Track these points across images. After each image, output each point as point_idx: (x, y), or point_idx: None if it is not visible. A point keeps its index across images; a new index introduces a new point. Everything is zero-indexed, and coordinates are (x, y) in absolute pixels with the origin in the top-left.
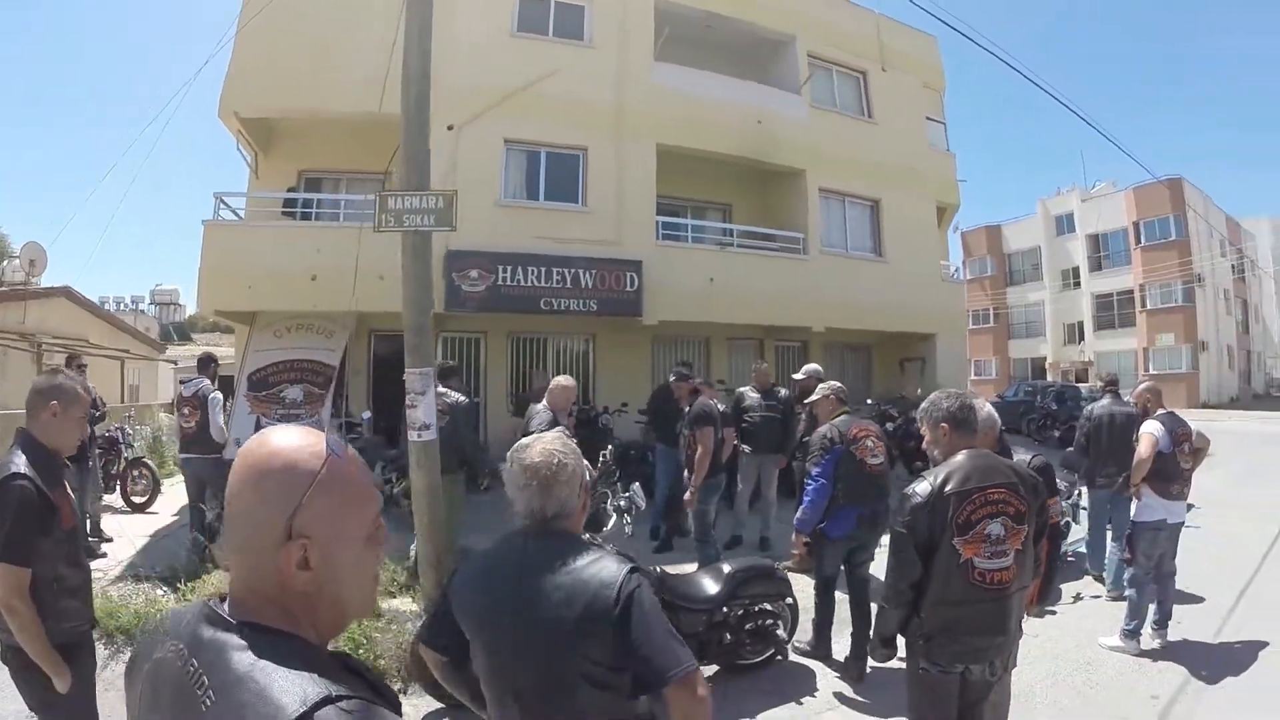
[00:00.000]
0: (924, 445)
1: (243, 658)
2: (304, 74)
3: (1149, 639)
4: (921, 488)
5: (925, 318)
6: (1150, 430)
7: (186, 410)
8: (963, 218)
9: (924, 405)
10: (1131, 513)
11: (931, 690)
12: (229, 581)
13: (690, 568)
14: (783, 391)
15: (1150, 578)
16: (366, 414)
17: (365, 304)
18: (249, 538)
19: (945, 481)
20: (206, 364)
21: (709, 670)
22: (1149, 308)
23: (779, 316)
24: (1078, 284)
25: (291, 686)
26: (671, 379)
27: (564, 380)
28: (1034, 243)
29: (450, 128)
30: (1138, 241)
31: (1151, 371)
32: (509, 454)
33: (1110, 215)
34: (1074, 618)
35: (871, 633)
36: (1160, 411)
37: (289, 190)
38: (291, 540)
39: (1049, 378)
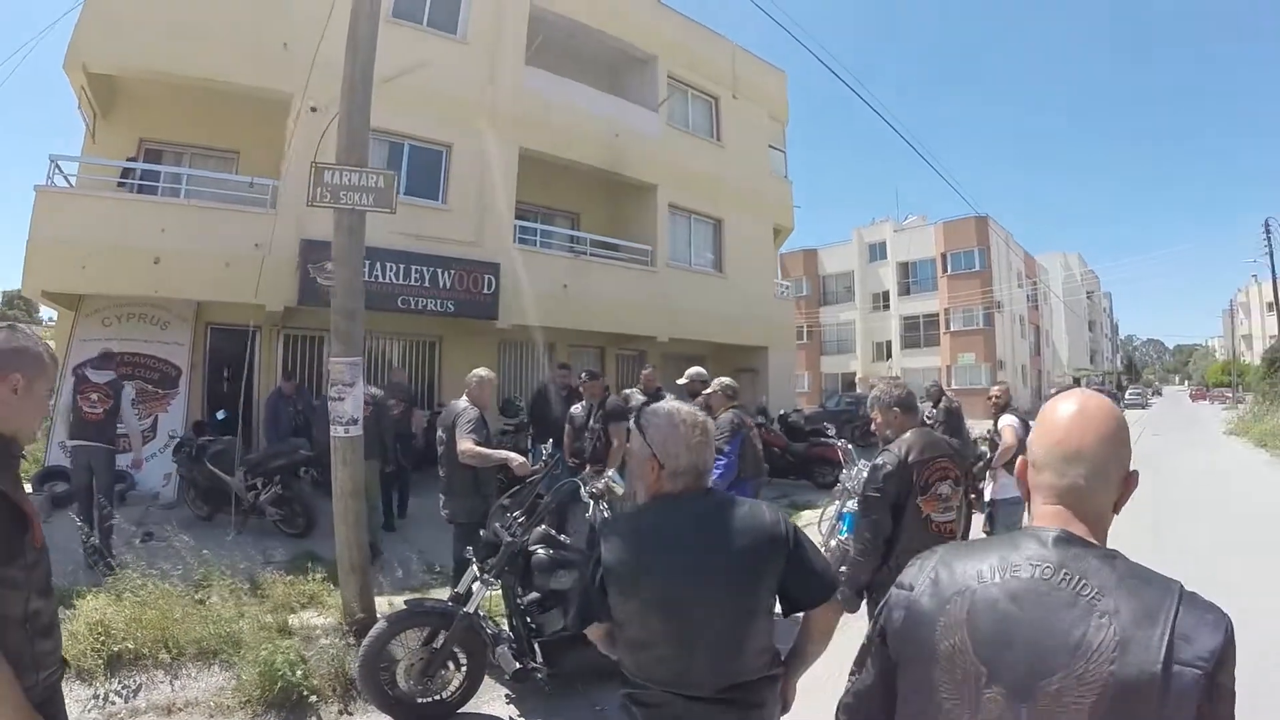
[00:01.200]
0: (874, 427)
1: (1116, 563)
2: (164, 32)
3: None
4: (889, 459)
5: (759, 331)
6: (1010, 422)
7: (96, 396)
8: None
9: (875, 394)
10: (989, 492)
11: None
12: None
13: None
14: (669, 395)
15: None
16: (221, 413)
17: (209, 292)
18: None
19: (907, 453)
20: (110, 358)
21: None
22: (953, 329)
23: (627, 325)
24: (887, 306)
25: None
26: (583, 378)
27: (483, 372)
28: (848, 267)
29: (314, 109)
30: (945, 270)
31: (954, 387)
32: (645, 417)
33: (920, 246)
34: None
35: (843, 584)
36: (1011, 407)
37: (129, 160)
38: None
39: (858, 391)
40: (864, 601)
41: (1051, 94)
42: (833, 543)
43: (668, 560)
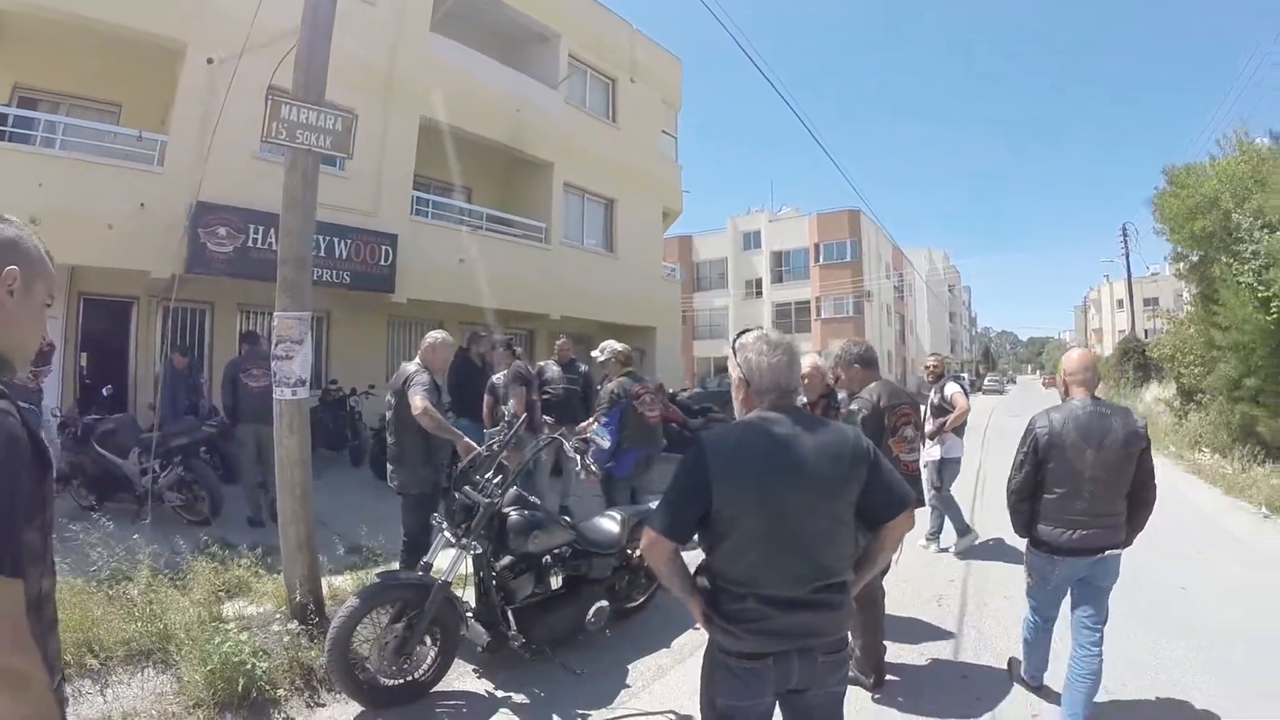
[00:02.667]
0: (836, 383)
1: (1108, 405)
2: None
3: (934, 545)
4: (863, 405)
5: (648, 312)
6: (959, 389)
7: None
8: None
9: (837, 353)
10: (939, 452)
11: None
12: None
13: None
14: (583, 366)
15: (945, 497)
16: (107, 389)
17: (90, 256)
18: None
19: (879, 399)
20: None
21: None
22: (824, 317)
23: (520, 302)
24: (760, 293)
25: None
26: (499, 347)
27: (439, 335)
28: (722, 254)
29: (210, 61)
30: (817, 260)
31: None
32: (737, 345)
33: (794, 235)
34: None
35: None
36: (952, 375)
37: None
38: None
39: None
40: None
41: (927, 100)
42: None
43: (772, 465)
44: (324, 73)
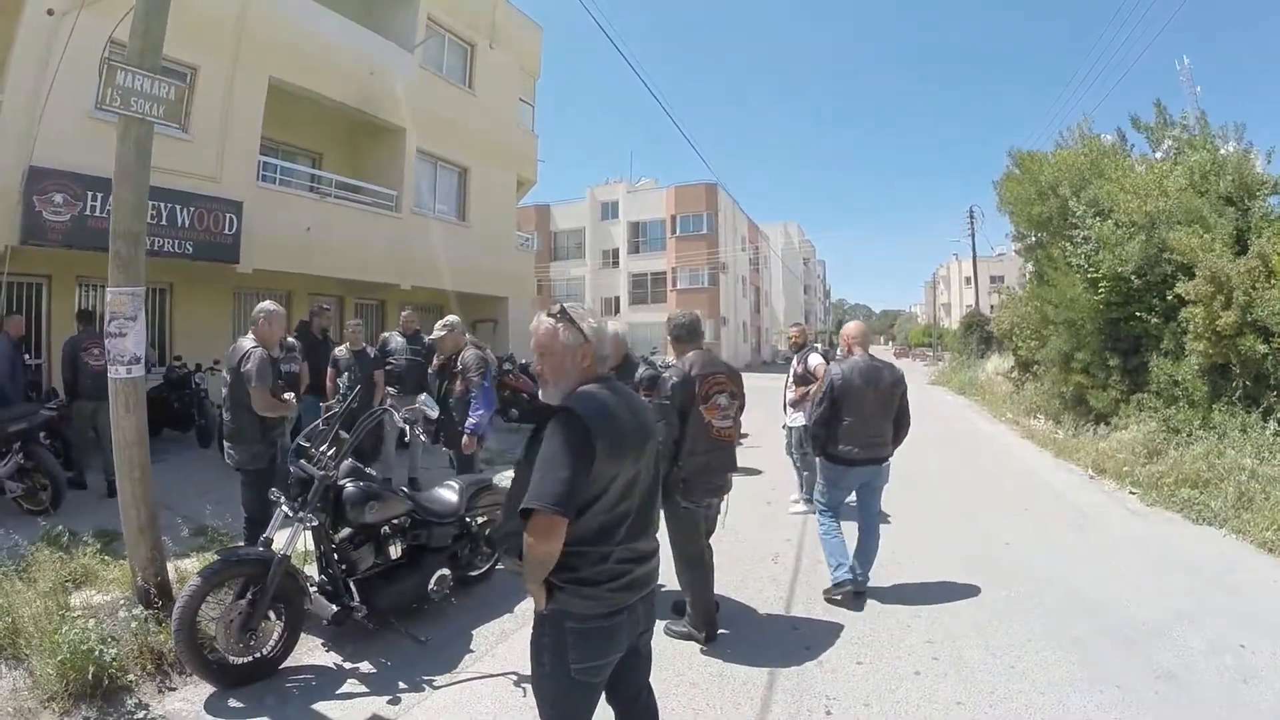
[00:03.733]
0: (669, 358)
1: (881, 360)
2: None
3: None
4: (676, 373)
5: (501, 282)
6: (823, 360)
7: None
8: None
9: (666, 323)
10: (802, 419)
11: (688, 522)
12: None
13: None
14: (427, 337)
15: (810, 460)
16: None
17: None
18: None
19: (691, 368)
20: None
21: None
22: (679, 287)
23: (370, 271)
24: (617, 264)
25: None
26: (351, 327)
27: (270, 306)
28: (580, 224)
29: (50, 12)
30: (674, 231)
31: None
32: (582, 310)
33: (651, 207)
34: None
35: None
36: (814, 347)
37: None
38: None
39: None
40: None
41: (792, 81)
42: None
43: (632, 429)
44: (162, 36)
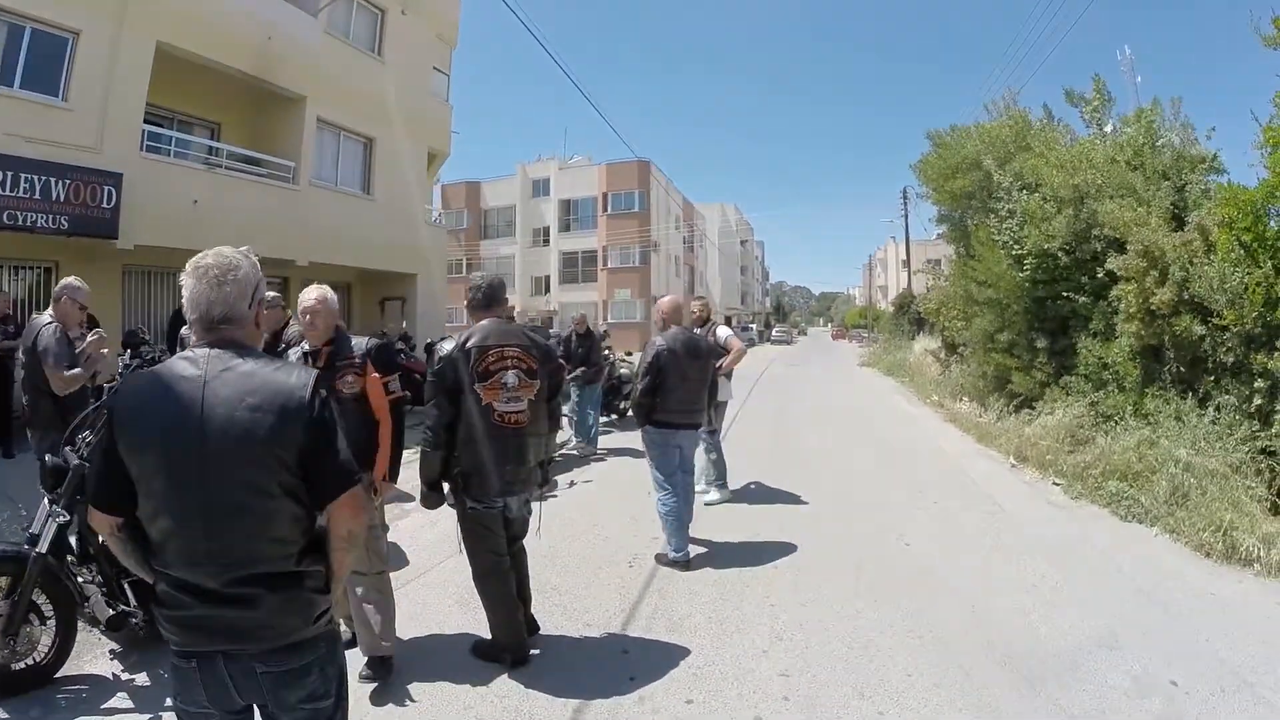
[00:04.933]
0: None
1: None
2: None
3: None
4: (449, 345)
5: (409, 258)
6: (732, 332)
7: None
8: (444, 173)
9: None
10: (719, 394)
11: (481, 525)
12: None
13: None
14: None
15: (715, 441)
16: None
17: None
18: None
19: (468, 339)
20: None
21: None
22: (610, 266)
23: (265, 247)
24: (548, 242)
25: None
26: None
27: (74, 281)
28: (511, 201)
29: None
30: (605, 209)
31: (610, 321)
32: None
33: (584, 184)
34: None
35: (419, 480)
36: (718, 321)
37: None
38: None
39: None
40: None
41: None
42: None
43: (173, 418)
44: None
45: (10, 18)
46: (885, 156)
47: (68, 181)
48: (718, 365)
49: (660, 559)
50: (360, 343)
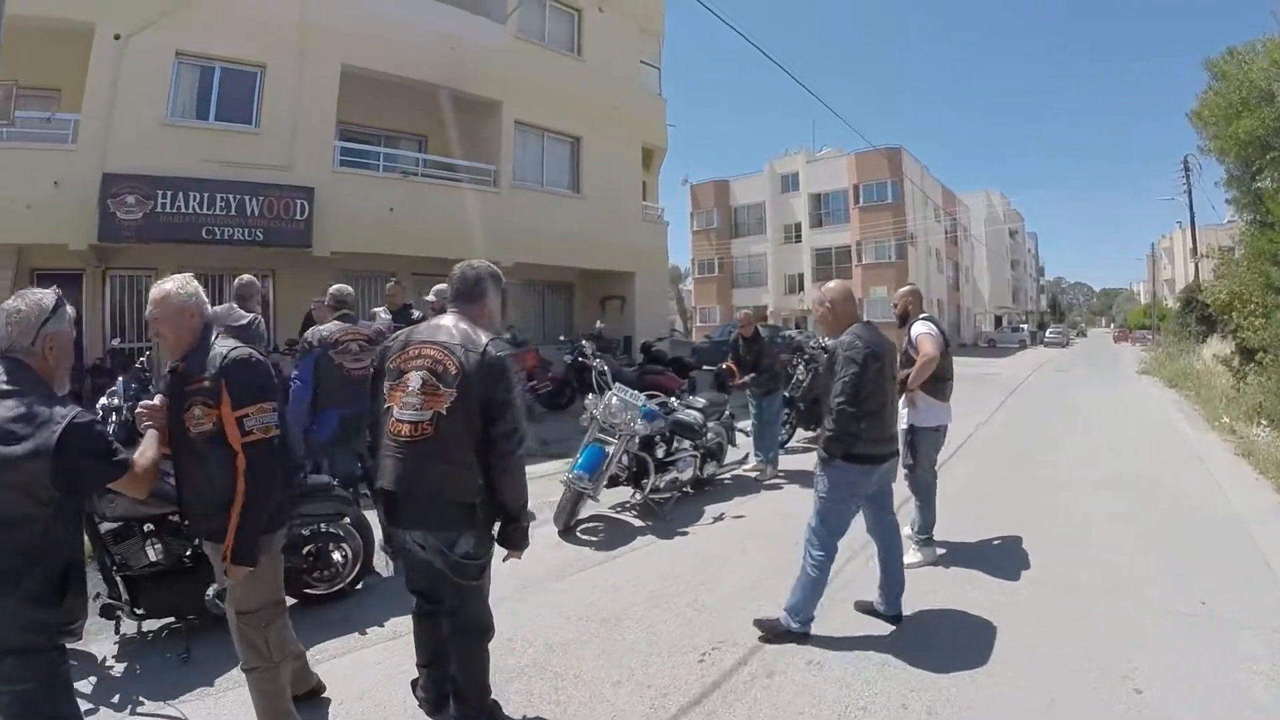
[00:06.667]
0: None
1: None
2: None
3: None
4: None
5: (624, 256)
6: (926, 331)
7: None
8: (694, 173)
9: None
10: (905, 418)
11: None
12: None
13: None
14: (417, 313)
15: (921, 481)
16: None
17: (13, 235)
18: None
19: (399, 335)
20: None
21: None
22: (864, 262)
23: (465, 250)
24: (799, 238)
25: None
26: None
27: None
28: (760, 198)
29: (117, 37)
30: (856, 202)
31: (865, 319)
32: None
33: (832, 177)
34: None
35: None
36: (922, 315)
37: None
38: None
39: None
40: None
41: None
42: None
43: None
44: None
45: (201, 60)
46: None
47: (262, 198)
48: (910, 376)
49: (764, 627)
50: (217, 355)
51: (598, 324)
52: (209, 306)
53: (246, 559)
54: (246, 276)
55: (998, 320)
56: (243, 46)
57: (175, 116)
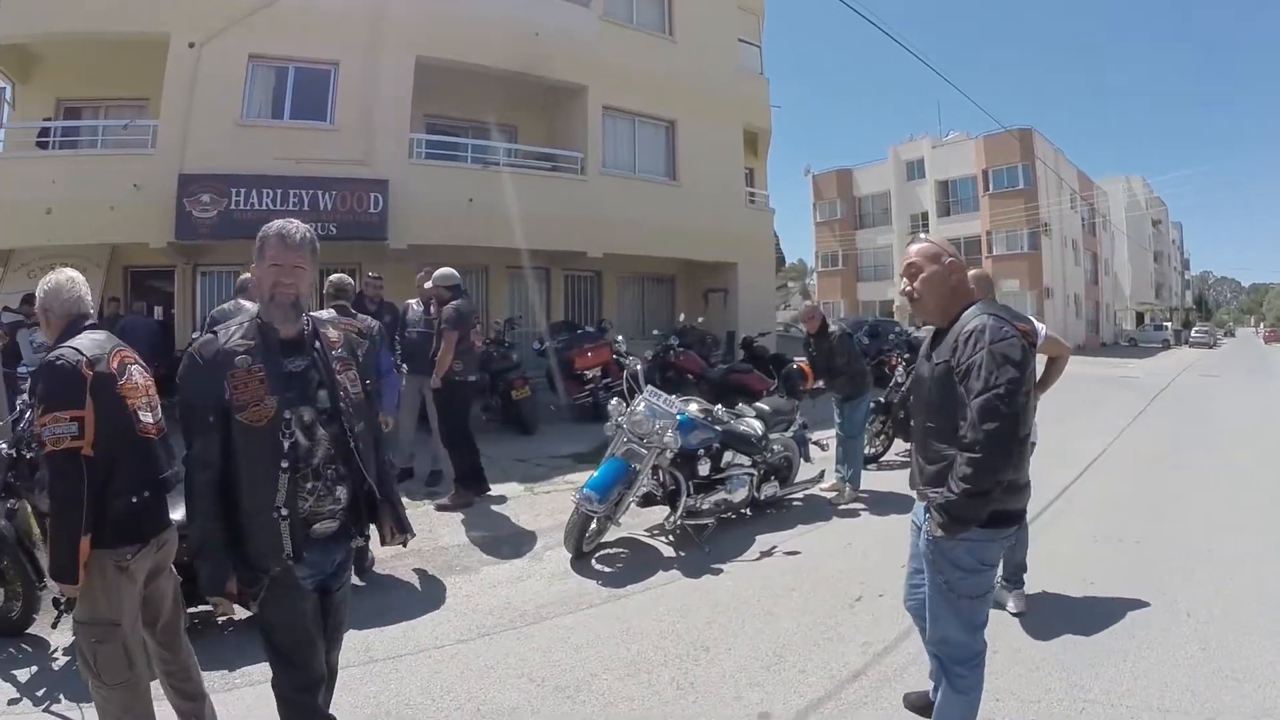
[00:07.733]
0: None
1: None
2: None
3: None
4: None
5: (725, 245)
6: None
7: None
8: (816, 163)
9: None
10: None
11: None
12: None
13: None
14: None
15: None
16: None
17: (100, 236)
18: None
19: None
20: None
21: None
22: (995, 253)
23: (550, 240)
24: (926, 228)
25: None
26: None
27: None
28: (884, 187)
29: (192, 45)
30: (986, 188)
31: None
32: None
33: (960, 162)
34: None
35: None
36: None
37: (45, 120)
38: None
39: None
40: None
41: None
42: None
43: None
44: None
45: (275, 62)
46: None
47: (334, 192)
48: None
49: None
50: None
51: (680, 317)
52: (75, 302)
53: (63, 576)
54: (246, 274)
55: (1139, 317)
56: (315, 46)
57: (250, 117)
